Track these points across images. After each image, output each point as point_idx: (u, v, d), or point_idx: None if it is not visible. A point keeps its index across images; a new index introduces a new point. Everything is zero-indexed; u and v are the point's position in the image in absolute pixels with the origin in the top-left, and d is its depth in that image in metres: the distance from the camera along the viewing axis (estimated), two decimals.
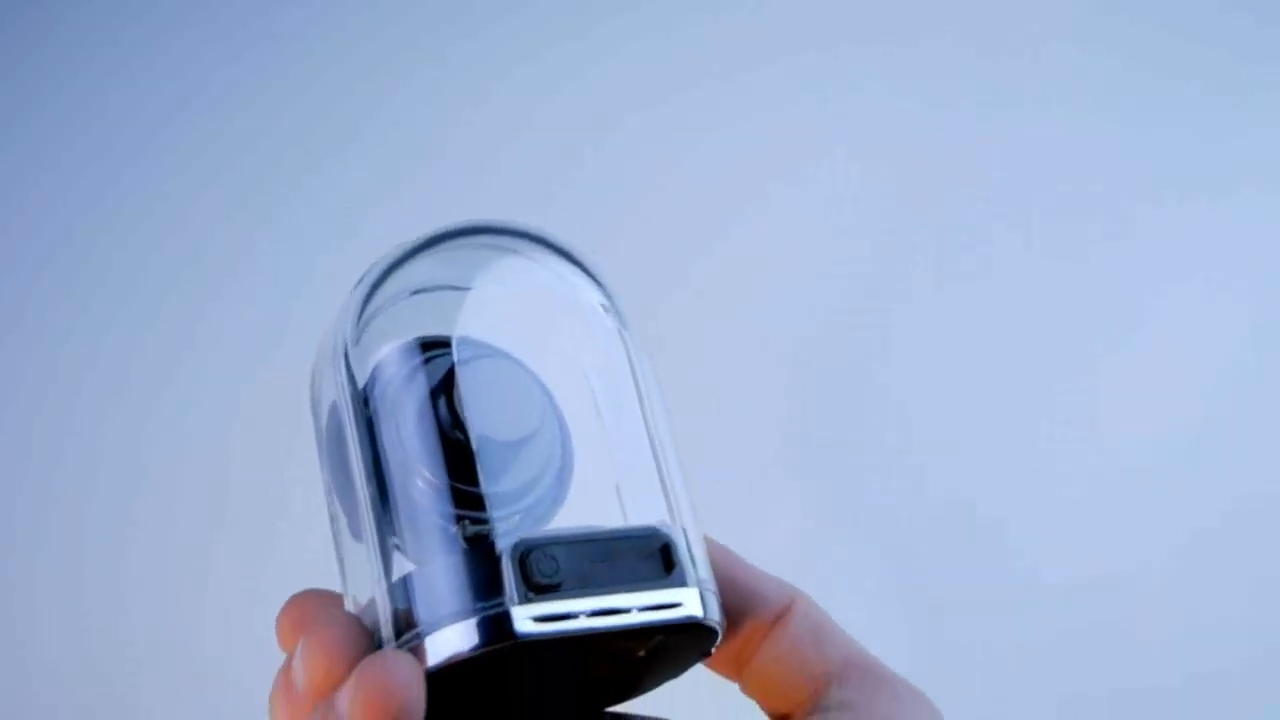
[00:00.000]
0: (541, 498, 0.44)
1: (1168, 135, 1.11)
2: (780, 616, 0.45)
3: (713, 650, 0.44)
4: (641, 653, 0.43)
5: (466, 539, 0.43)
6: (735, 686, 0.46)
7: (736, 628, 0.44)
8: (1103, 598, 1.06)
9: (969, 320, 1.08)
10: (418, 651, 0.41)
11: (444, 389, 0.44)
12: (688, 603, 0.41)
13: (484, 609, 0.40)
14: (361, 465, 0.43)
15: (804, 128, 1.08)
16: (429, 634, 0.41)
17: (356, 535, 0.44)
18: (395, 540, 0.43)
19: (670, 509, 0.44)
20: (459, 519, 0.43)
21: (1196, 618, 1.07)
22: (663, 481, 0.44)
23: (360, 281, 0.46)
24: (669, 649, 0.43)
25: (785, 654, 0.44)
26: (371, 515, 0.43)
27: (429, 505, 0.43)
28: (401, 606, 0.42)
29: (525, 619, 0.40)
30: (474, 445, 0.43)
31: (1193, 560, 1.07)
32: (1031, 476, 1.07)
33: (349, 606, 0.44)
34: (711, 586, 0.42)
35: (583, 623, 0.40)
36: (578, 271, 0.47)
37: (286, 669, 0.43)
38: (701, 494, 0.45)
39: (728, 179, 1.07)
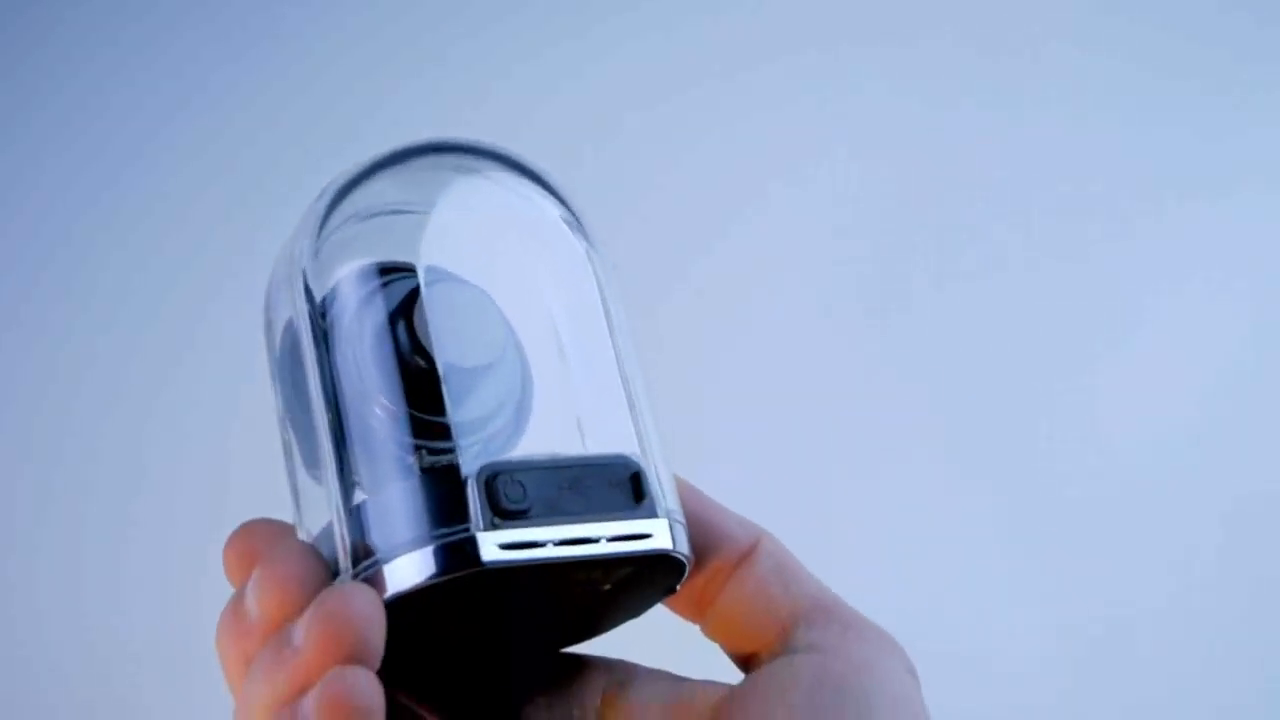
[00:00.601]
0: (502, 427, 0.42)
1: (1168, 135, 1.11)
2: (745, 556, 0.43)
3: (678, 587, 0.42)
4: (606, 586, 0.41)
5: (424, 469, 0.41)
6: (688, 637, 0.45)
7: (700, 567, 0.43)
8: (1102, 597, 1.06)
9: (969, 320, 1.08)
10: (375, 580, 0.39)
11: (404, 313, 0.42)
12: (658, 534, 0.40)
13: (446, 535, 0.39)
14: (320, 390, 0.41)
15: (804, 128, 1.08)
16: (387, 561, 0.39)
17: (310, 463, 0.42)
18: (350, 469, 0.41)
19: (639, 437, 0.42)
20: (416, 448, 0.41)
21: (1196, 617, 1.07)
22: (631, 409, 0.43)
23: (319, 198, 0.44)
24: (634, 583, 0.41)
25: (750, 594, 0.43)
26: (330, 441, 0.41)
27: (386, 433, 0.41)
28: (357, 535, 0.40)
29: (491, 545, 0.38)
30: (437, 372, 0.41)
31: (1193, 560, 1.07)
32: (1031, 476, 1.07)
33: (302, 538, 0.42)
34: (680, 518, 0.41)
35: (550, 551, 0.39)
36: (543, 192, 0.45)
37: (238, 601, 0.41)
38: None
39: (728, 179, 1.07)
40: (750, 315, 1.06)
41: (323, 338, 0.42)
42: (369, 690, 0.37)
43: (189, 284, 1.01)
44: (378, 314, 0.42)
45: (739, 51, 1.08)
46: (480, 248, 0.45)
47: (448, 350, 0.41)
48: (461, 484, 0.39)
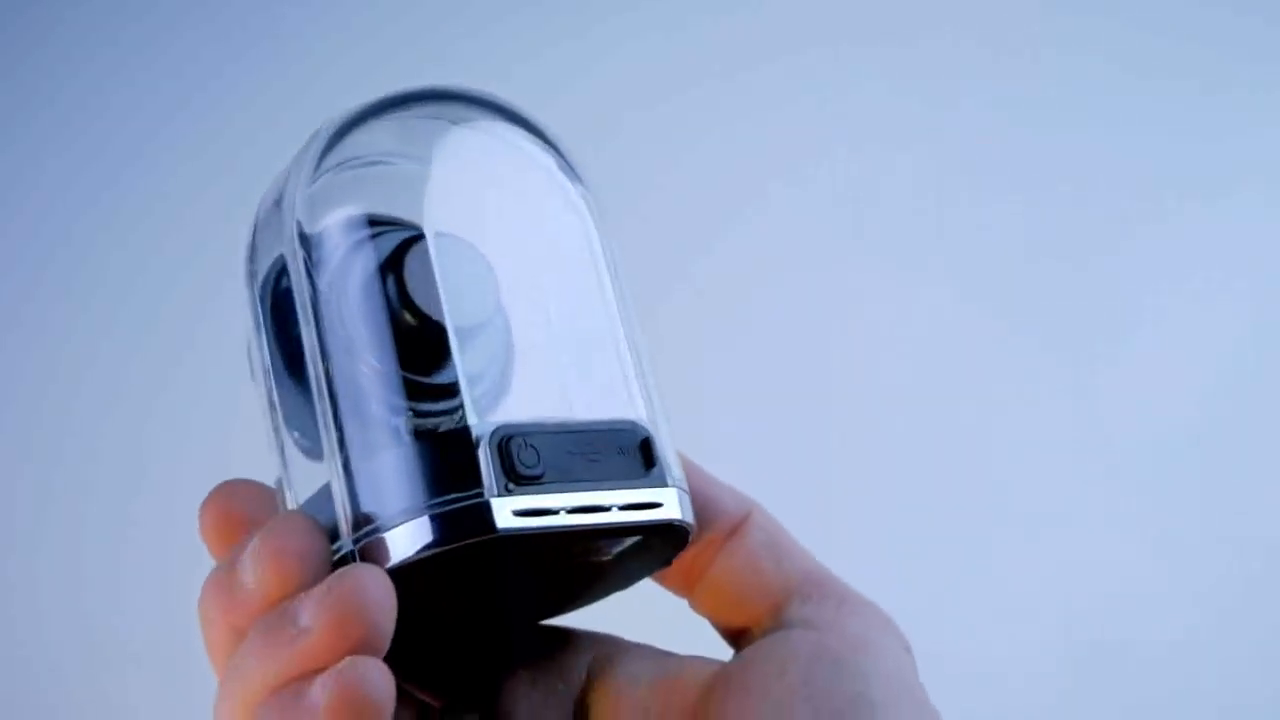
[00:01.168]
0: (489, 389, 0.40)
1: (1168, 135, 1.11)
2: (736, 528, 0.42)
3: (674, 558, 0.41)
4: (607, 556, 0.39)
5: (418, 432, 0.38)
6: (672, 610, 0.44)
7: (692, 540, 0.41)
8: (1102, 598, 1.06)
9: (969, 320, 1.08)
10: (375, 548, 0.37)
11: (394, 269, 0.40)
12: (668, 503, 0.39)
13: (455, 501, 0.36)
14: (316, 346, 0.39)
15: (804, 128, 1.08)
16: (389, 529, 0.37)
17: (295, 424, 0.40)
18: (344, 431, 0.38)
19: (645, 399, 0.40)
20: (408, 410, 0.39)
21: (1197, 617, 1.07)
22: (635, 368, 0.41)
23: (307, 146, 0.42)
24: (634, 554, 0.40)
25: (741, 568, 0.42)
26: (328, 402, 0.38)
27: (379, 394, 0.39)
28: (352, 501, 0.37)
29: (506, 512, 0.36)
30: (434, 330, 0.39)
31: (1192, 560, 1.07)
32: (1031, 476, 1.07)
33: (290, 504, 0.40)
34: (685, 486, 0.40)
35: (562, 519, 0.37)
36: (535, 140, 0.44)
37: (229, 569, 0.38)
38: None
39: (728, 179, 1.07)
40: (750, 315, 1.06)
41: (314, 299, 0.40)
42: (382, 683, 0.36)
43: (189, 284, 1.01)
44: (369, 269, 0.40)
45: (739, 51, 1.08)
46: (471, 201, 0.43)
47: (448, 308, 0.39)
48: (466, 447, 0.37)
